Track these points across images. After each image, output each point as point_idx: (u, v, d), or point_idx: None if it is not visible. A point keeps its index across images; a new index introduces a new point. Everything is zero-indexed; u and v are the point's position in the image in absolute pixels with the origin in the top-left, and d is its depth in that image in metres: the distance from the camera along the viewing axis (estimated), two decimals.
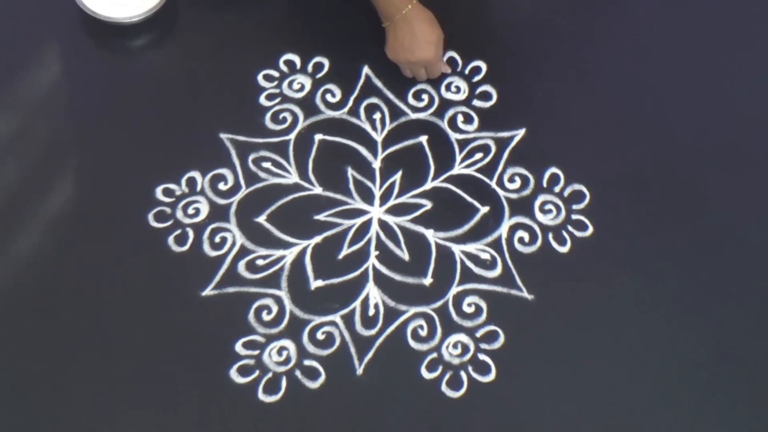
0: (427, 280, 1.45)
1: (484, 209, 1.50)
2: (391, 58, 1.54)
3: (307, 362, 1.39)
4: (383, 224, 1.48)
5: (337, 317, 1.42)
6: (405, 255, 1.46)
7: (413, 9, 1.49)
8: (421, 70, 1.54)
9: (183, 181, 1.50)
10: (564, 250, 1.47)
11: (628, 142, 1.56)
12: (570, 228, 1.49)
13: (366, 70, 1.59)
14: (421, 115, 1.57)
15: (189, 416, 1.35)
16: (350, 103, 1.57)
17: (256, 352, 1.39)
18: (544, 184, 1.52)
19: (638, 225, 1.50)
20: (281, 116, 1.55)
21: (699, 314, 1.44)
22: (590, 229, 1.49)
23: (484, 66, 1.61)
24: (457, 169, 1.52)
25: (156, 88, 1.58)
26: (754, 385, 1.40)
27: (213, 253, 1.45)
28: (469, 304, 1.43)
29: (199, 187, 1.50)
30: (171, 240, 1.46)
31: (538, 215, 1.50)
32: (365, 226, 1.48)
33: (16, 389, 1.36)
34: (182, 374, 1.37)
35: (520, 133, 1.55)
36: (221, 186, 1.50)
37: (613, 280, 1.46)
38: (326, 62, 1.60)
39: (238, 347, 1.39)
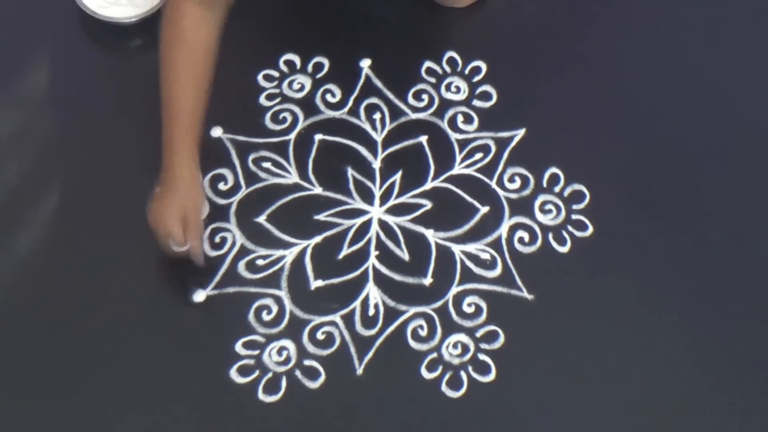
0: (427, 280, 1.45)
1: (484, 209, 1.50)
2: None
3: (307, 362, 1.39)
4: (383, 224, 1.48)
5: (337, 317, 1.42)
6: (405, 255, 1.46)
7: (179, 174, 1.36)
8: (159, 237, 1.38)
9: None
10: (564, 250, 1.47)
11: (628, 142, 1.56)
12: (570, 228, 1.49)
13: (366, 70, 1.60)
14: (421, 115, 1.57)
15: (189, 416, 1.35)
16: (350, 103, 1.57)
17: (256, 352, 1.39)
18: (544, 184, 1.52)
19: (638, 225, 1.50)
20: (281, 116, 1.55)
21: (699, 314, 1.44)
22: (590, 229, 1.49)
23: (484, 66, 1.61)
24: (457, 169, 1.53)
25: (156, 88, 1.57)
26: (755, 386, 1.40)
27: (213, 253, 1.45)
28: (469, 304, 1.43)
29: None
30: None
31: (538, 215, 1.50)
32: (365, 226, 1.48)
33: (15, 390, 1.36)
34: (182, 374, 1.37)
35: (520, 133, 1.55)
36: (221, 186, 1.50)
37: (613, 280, 1.46)
38: (326, 62, 1.60)
39: (238, 347, 1.39)
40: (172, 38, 1.36)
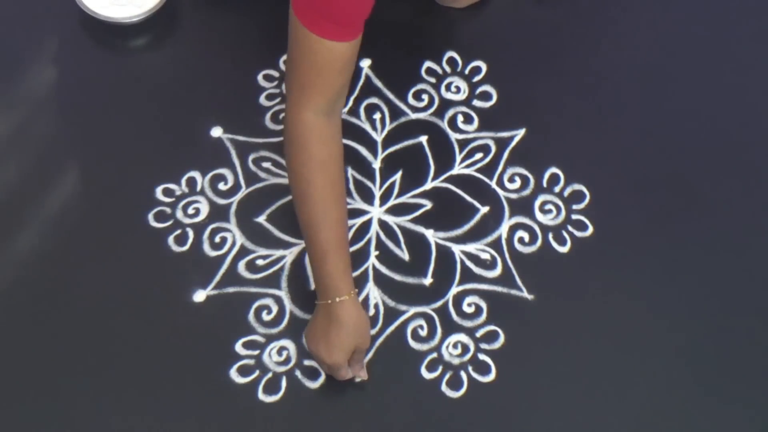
0: (427, 280, 1.45)
1: (484, 209, 1.50)
2: (304, 338, 1.37)
3: (307, 362, 1.38)
4: (383, 224, 1.48)
5: None
6: (405, 255, 1.46)
7: (345, 304, 1.29)
8: (323, 365, 1.35)
9: (183, 181, 1.50)
10: (564, 250, 1.47)
11: (628, 142, 1.56)
12: (570, 228, 1.49)
13: (366, 70, 1.60)
14: (421, 115, 1.57)
15: (189, 416, 1.35)
16: (350, 103, 1.57)
17: (256, 352, 1.39)
18: (544, 184, 1.52)
19: (638, 225, 1.50)
20: (281, 116, 1.55)
21: (699, 314, 1.44)
22: (590, 229, 1.49)
23: (484, 66, 1.61)
24: (457, 169, 1.53)
25: (156, 88, 1.58)
26: (755, 386, 1.40)
27: (213, 253, 1.45)
28: (469, 304, 1.43)
29: (199, 187, 1.50)
30: (171, 240, 1.46)
31: (538, 215, 1.50)
32: (365, 226, 1.48)
33: (15, 390, 1.36)
34: (182, 374, 1.37)
35: (520, 133, 1.55)
36: (221, 186, 1.50)
37: (613, 280, 1.46)
38: None
39: (238, 347, 1.39)
40: (302, 158, 1.28)
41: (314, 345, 1.33)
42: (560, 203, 1.51)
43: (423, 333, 1.41)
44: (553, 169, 1.53)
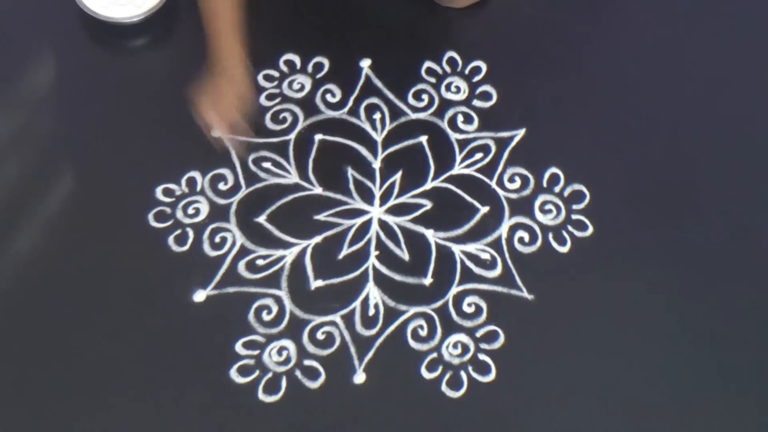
0: (427, 280, 1.45)
1: (484, 209, 1.50)
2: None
3: (307, 362, 1.39)
4: (383, 224, 1.48)
5: (337, 317, 1.42)
6: (405, 255, 1.46)
7: (226, 71, 1.42)
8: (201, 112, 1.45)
9: (183, 181, 1.50)
10: (564, 250, 1.47)
11: (628, 142, 1.56)
12: (570, 228, 1.49)
13: (366, 70, 1.60)
14: (421, 115, 1.57)
15: (189, 416, 1.35)
16: (350, 103, 1.57)
17: (256, 352, 1.39)
18: (544, 184, 1.52)
19: (638, 225, 1.50)
20: (281, 116, 1.55)
21: (698, 313, 1.44)
22: (590, 229, 1.49)
23: (484, 66, 1.61)
24: (457, 169, 1.53)
25: (156, 88, 1.58)
26: (754, 384, 1.40)
27: (213, 253, 1.45)
28: (469, 304, 1.43)
29: (199, 187, 1.50)
30: (171, 240, 1.46)
31: (538, 215, 1.50)
32: (365, 226, 1.48)
33: (15, 390, 1.36)
34: (182, 374, 1.37)
35: (520, 133, 1.55)
36: (221, 186, 1.50)
37: (613, 280, 1.46)
38: (326, 62, 1.60)
39: (238, 347, 1.39)
40: None
41: (198, 103, 1.43)
42: (560, 203, 1.51)
43: (423, 333, 1.41)
44: (553, 169, 1.53)
